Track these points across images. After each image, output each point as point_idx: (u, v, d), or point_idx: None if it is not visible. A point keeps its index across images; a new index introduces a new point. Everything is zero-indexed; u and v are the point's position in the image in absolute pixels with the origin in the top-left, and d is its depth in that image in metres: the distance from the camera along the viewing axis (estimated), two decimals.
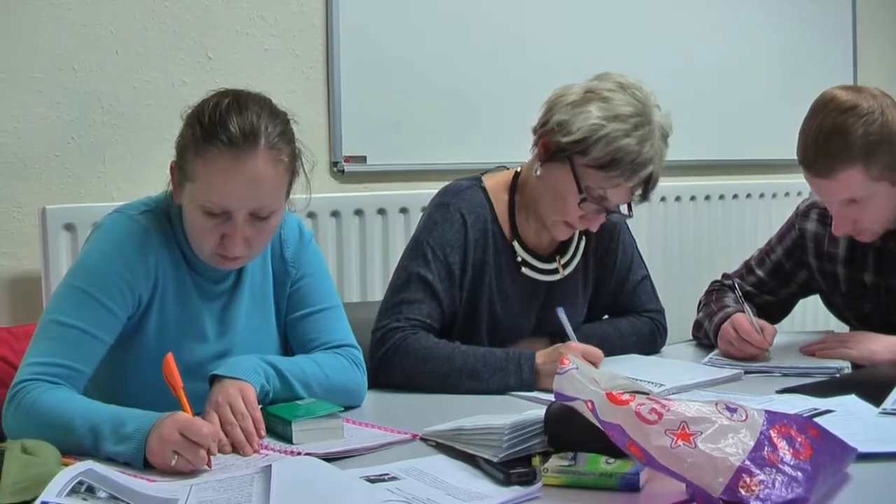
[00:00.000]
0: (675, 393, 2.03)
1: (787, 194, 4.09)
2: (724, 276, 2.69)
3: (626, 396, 1.45)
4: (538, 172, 2.24)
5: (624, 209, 2.27)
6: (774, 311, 2.58)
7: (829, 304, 2.61)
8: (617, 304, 2.49)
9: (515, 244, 2.33)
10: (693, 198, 3.89)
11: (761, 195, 4.08)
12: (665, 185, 3.54)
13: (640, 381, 2.02)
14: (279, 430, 1.79)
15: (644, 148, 2.14)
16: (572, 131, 2.15)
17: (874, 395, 1.90)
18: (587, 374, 1.55)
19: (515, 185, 2.35)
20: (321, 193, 2.88)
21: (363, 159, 3.13)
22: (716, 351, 2.40)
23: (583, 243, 2.41)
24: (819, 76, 4.15)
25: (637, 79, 2.23)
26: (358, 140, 3.12)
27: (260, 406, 1.80)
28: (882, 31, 4.46)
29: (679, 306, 3.52)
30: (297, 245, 2.07)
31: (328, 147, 3.11)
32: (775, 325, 2.44)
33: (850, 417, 1.80)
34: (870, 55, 4.39)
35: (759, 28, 4.09)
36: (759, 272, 2.62)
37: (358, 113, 3.12)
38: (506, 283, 2.32)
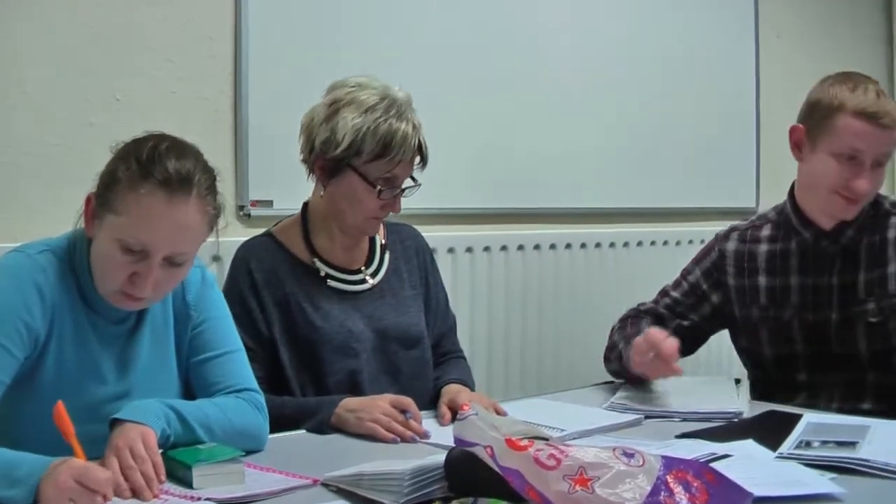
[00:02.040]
0: (575, 438, 2.05)
1: (665, 242, 4.07)
2: (640, 304, 2.77)
3: (524, 442, 1.46)
4: (323, 193, 2.40)
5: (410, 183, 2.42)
6: (687, 339, 2.56)
7: (736, 338, 2.69)
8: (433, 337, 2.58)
9: (317, 262, 2.43)
10: (568, 245, 3.81)
11: (639, 243, 4.02)
12: (542, 232, 3.59)
13: (542, 426, 2.04)
14: (179, 474, 1.77)
15: (402, 123, 2.32)
16: (339, 141, 2.31)
17: (772, 439, 1.95)
18: (487, 420, 1.56)
19: (306, 215, 2.48)
20: (227, 237, 2.86)
21: (270, 203, 3.13)
22: (617, 395, 2.43)
23: (387, 255, 2.54)
24: (718, 128, 4.24)
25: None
26: (265, 184, 3.12)
27: (161, 450, 1.79)
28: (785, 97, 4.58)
29: (569, 351, 3.59)
30: (199, 288, 2.07)
31: (235, 190, 3.09)
32: (686, 357, 2.50)
33: (747, 461, 1.83)
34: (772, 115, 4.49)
35: (661, 93, 4.11)
36: (675, 293, 2.71)
37: (265, 157, 3.11)
38: (318, 300, 2.40)
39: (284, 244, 2.45)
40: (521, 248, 3.58)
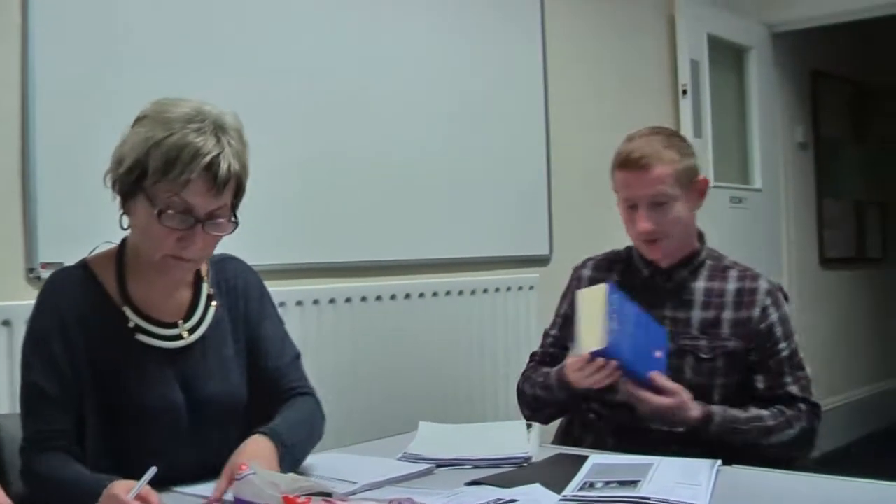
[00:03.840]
0: (368, 490, 2.03)
1: (461, 293, 4.04)
2: (532, 353, 2.89)
3: (302, 499, 1.47)
4: (125, 225, 2.10)
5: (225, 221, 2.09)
6: None
7: None
8: (265, 379, 2.29)
9: (127, 310, 2.11)
10: (348, 299, 3.67)
11: (434, 293, 3.95)
12: (350, 286, 3.58)
13: (333, 479, 2.03)
14: None
15: (202, 138, 1.99)
16: (126, 159, 2.01)
17: (558, 482, 1.98)
18: (266, 478, 1.56)
19: (123, 250, 2.18)
20: (16, 301, 2.82)
21: (60, 265, 3.04)
22: (411, 445, 2.44)
23: (213, 306, 2.24)
24: (515, 178, 4.32)
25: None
26: (56, 246, 3.04)
27: None
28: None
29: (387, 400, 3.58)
30: None
31: (24, 252, 3.01)
32: None
33: None
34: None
35: (461, 146, 4.14)
36: (553, 331, 2.86)
37: (55, 216, 3.04)
38: (130, 356, 2.10)
39: (99, 278, 2.14)
40: (332, 301, 3.54)
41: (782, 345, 2.64)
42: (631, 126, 4.93)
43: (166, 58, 3.17)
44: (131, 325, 2.11)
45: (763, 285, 2.69)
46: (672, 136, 2.73)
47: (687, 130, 5.27)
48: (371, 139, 3.72)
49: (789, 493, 2.07)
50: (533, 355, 2.92)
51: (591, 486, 1.97)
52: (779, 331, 2.65)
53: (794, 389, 2.61)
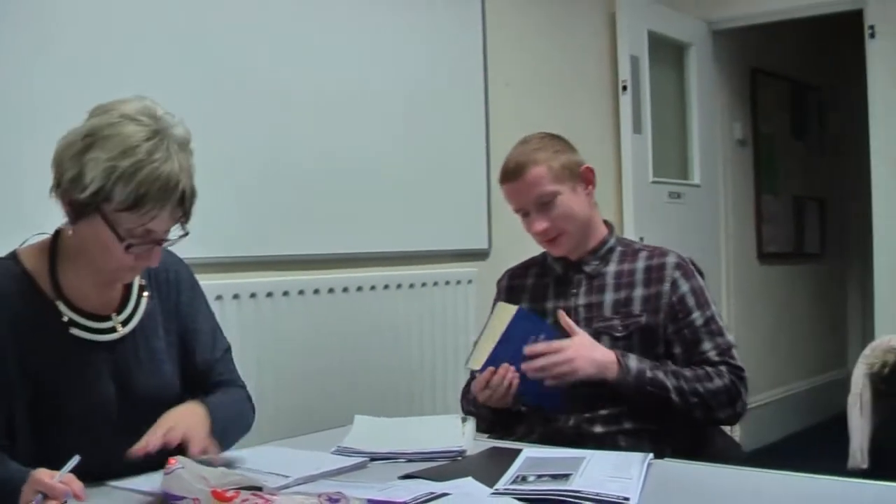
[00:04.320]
0: (300, 483, 2.04)
1: (399, 286, 4.02)
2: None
3: (230, 493, 1.46)
4: (71, 232, 2.07)
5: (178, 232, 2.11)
6: None
7: None
8: (195, 373, 2.32)
9: (60, 304, 2.10)
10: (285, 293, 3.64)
11: (370, 287, 3.93)
12: (292, 279, 3.56)
13: (266, 473, 2.03)
14: None
15: (165, 170, 1.97)
16: (87, 184, 1.95)
17: (490, 475, 1.99)
18: (195, 472, 1.56)
19: (56, 243, 2.15)
20: None
21: None
22: (345, 439, 2.45)
23: (144, 297, 2.25)
24: (454, 173, 4.32)
25: (143, 95, 2.08)
26: None
27: None
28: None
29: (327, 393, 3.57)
30: None
31: None
32: None
33: (464, 499, 1.87)
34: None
35: (400, 139, 4.12)
36: None
37: None
38: (62, 349, 2.09)
39: (30, 271, 2.10)
40: (269, 294, 3.52)
41: (696, 314, 2.69)
42: (571, 121, 5.01)
43: (104, 54, 3.12)
44: (65, 319, 2.10)
45: (671, 260, 2.77)
46: (544, 139, 2.83)
47: (626, 126, 5.32)
48: (310, 133, 3.70)
49: (719, 487, 2.09)
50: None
51: (524, 479, 1.97)
52: (691, 301, 2.71)
53: (712, 354, 2.66)
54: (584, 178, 2.79)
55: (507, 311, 2.61)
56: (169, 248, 2.16)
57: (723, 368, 2.64)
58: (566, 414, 2.63)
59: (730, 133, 6.58)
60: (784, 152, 7.30)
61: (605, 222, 2.88)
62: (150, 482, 1.95)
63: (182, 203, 2.03)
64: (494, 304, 2.87)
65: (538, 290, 2.86)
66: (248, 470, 2.05)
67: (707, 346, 2.67)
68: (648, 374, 2.58)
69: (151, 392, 2.18)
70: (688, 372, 2.61)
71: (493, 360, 2.55)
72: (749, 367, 2.69)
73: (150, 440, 1.98)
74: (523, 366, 2.52)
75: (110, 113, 2.02)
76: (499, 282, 2.99)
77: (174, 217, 2.04)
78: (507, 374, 2.53)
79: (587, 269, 2.79)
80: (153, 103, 2.06)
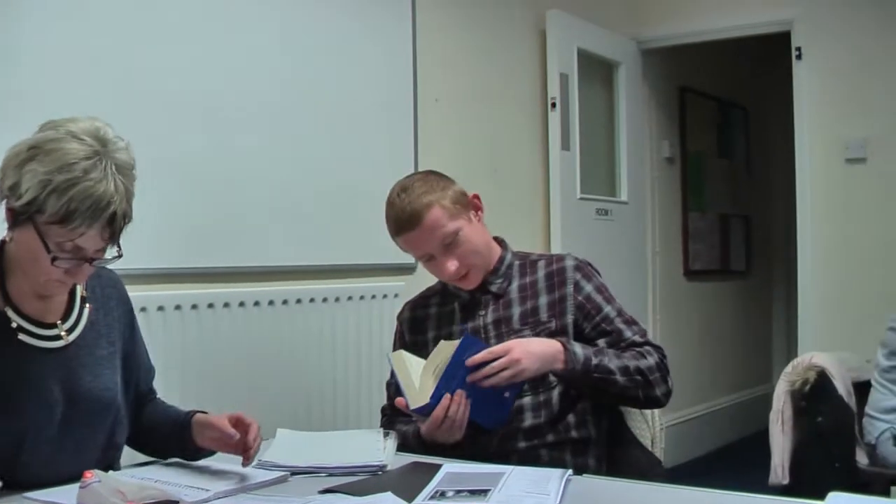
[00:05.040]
0: (220, 498, 2.04)
1: (325, 300, 3.98)
2: (382, 408, 2.94)
3: None
4: (10, 238, 2.13)
5: (112, 253, 2.14)
6: None
7: None
8: (129, 391, 2.39)
9: (8, 310, 2.14)
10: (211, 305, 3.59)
11: (311, 300, 3.92)
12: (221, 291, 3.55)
13: (186, 486, 2.03)
14: None
15: (98, 190, 2.01)
16: (23, 193, 2.00)
17: (410, 490, 2.00)
18: (111, 487, 1.55)
19: (3, 252, 2.19)
20: None
21: None
22: (267, 453, 2.44)
23: (87, 308, 2.29)
24: (382, 187, 4.32)
25: (95, 117, 2.12)
26: None
27: None
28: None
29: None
30: None
31: None
32: None
33: None
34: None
35: (330, 153, 4.09)
36: (392, 381, 2.85)
37: None
38: (10, 355, 2.13)
39: None
40: (195, 307, 3.48)
41: (607, 308, 2.76)
42: (500, 137, 5.05)
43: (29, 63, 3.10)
44: (14, 325, 2.14)
45: (569, 263, 2.82)
46: (425, 180, 2.80)
47: (555, 143, 5.34)
48: (237, 145, 3.67)
49: (637, 502, 2.12)
50: (384, 409, 2.93)
51: (442, 494, 1.99)
52: (598, 298, 2.77)
53: (636, 338, 2.74)
54: (473, 206, 2.82)
55: (450, 346, 2.54)
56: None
57: (649, 348, 2.72)
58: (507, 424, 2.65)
59: (658, 151, 6.64)
60: (711, 170, 7.40)
61: (496, 239, 2.89)
62: (65, 495, 1.93)
63: (112, 224, 2.06)
64: (397, 338, 2.94)
65: (443, 317, 2.87)
66: (167, 484, 2.05)
67: (628, 333, 2.74)
68: (594, 360, 2.61)
69: (94, 395, 2.22)
70: (625, 353, 2.68)
71: (440, 393, 2.48)
72: (674, 383, 2.74)
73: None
74: (470, 377, 2.49)
75: (58, 129, 2.07)
76: (399, 315, 3.00)
77: (103, 237, 2.07)
78: (462, 399, 2.49)
79: (493, 289, 2.81)
80: (105, 126, 2.10)
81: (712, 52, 6.87)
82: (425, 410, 2.48)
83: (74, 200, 1.99)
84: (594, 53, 5.78)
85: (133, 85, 3.34)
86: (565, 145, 5.39)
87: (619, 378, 2.62)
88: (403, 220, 2.72)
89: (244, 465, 2.21)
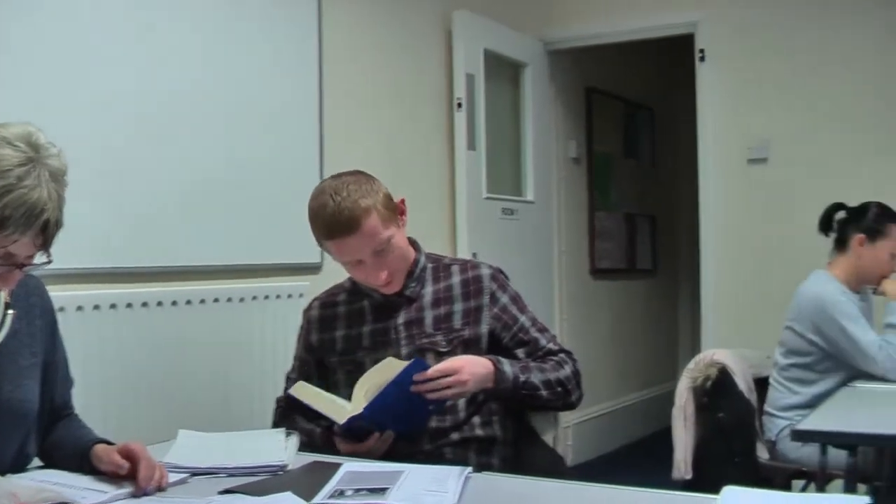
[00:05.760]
0: (118, 500, 2.03)
1: (229, 300, 3.96)
2: (277, 398, 2.98)
3: None
4: None
5: (42, 259, 2.12)
6: None
7: None
8: (48, 402, 2.36)
9: None
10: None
11: (215, 300, 3.91)
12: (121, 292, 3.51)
13: (84, 489, 2.02)
14: None
15: (32, 197, 1.97)
16: None
17: (309, 490, 2.01)
18: (5, 489, 1.54)
19: None
20: None
21: None
22: (168, 454, 2.42)
23: (9, 314, 2.20)
24: (286, 186, 4.32)
25: (27, 122, 2.08)
26: None
27: None
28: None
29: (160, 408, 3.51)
30: None
31: None
32: None
33: None
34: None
35: (232, 151, 4.07)
36: (293, 375, 2.94)
37: None
38: None
39: None
40: (97, 307, 3.44)
41: (522, 318, 2.83)
42: (406, 136, 5.05)
43: None
44: None
45: (485, 272, 2.86)
46: (356, 179, 2.72)
47: (461, 143, 5.37)
48: (139, 143, 3.64)
49: (537, 500, 2.13)
50: (278, 400, 2.97)
51: (342, 493, 2.00)
52: (513, 308, 2.83)
53: (550, 346, 2.83)
54: (400, 211, 2.78)
55: (397, 365, 2.53)
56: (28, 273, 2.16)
57: (563, 356, 2.80)
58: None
59: (564, 151, 6.71)
60: (617, 170, 7.49)
61: (410, 241, 2.87)
62: None
63: (45, 231, 2.03)
64: (302, 334, 2.94)
65: (353, 315, 2.88)
66: (65, 486, 2.03)
67: (543, 341, 2.82)
68: (521, 377, 2.67)
69: (13, 406, 2.20)
70: (546, 364, 2.75)
71: (376, 405, 2.48)
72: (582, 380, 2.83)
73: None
74: (415, 388, 2.51)
75: None
76: (306, 311, 2.98)
77: (35, 244, 2.04)
78: (389, 437, 2.56)
79: (407, 293, 2.81)
80: (37, 131, 2.06)
81: (619, 54, 6.96)
82: (355, 422, 2.50)
83: (9, 207, 1.95)
84: (501, 54, 5.82)
85: (51, 82, 3.32)
86: (471, 145, 5.42)
87: (544, 392, 2.70)
88: (340, 224, 2.63)
89: (135, 494, 2.09)
